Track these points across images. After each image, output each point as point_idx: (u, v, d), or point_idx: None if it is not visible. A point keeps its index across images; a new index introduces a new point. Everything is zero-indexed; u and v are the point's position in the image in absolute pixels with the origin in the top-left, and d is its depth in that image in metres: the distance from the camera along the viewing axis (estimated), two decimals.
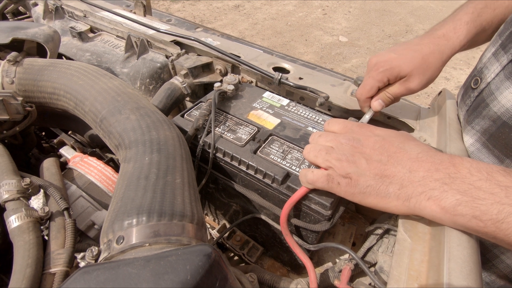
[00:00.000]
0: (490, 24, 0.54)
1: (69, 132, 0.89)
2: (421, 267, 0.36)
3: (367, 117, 0.56)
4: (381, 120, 0.67)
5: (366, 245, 0.52)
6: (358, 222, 0.72)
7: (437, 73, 0.52)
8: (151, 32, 0.85)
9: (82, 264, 0.52)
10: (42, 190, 0.48)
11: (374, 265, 0.50)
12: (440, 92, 0.70)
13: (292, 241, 0.48)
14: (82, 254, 0.52)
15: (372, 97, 0.55)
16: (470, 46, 0.56)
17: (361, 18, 4.36)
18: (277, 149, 0.53)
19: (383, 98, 0.54)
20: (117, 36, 0.90)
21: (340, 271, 0.48)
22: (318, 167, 0.43)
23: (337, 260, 0.61)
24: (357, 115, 0.62)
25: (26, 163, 0.78)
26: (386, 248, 0.48)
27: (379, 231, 0.52)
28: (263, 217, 0.57)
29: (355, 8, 4.64)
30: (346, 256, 0.63)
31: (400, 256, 0.37)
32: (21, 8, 1.09)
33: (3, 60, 0.56)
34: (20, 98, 0.53)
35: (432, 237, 0.38)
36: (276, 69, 0.76)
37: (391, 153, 0.38)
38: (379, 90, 0.54)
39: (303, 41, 3.72)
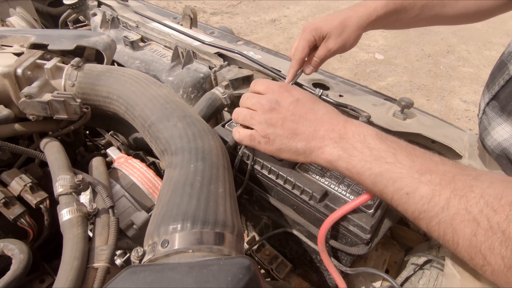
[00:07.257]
0: (412, 6, 0.59)
1: (110, 133, 0.94)
2: None
3: (291, 78, 0.64)
4: (424, 144, 0.64)
5: (404, 274, 0.49)
6: (392, 248, 0.69)
7: (354, 36, 0.60)
8: (196, 43, 0.89)
9: (118, 261, 0.54)
10: (90, 187, 0.51)
11: None
12: None
13: (328, 261, 0.47)
14: (119, 252, 0.55)
15: (303, 60, 0.62)
16: (390, 24, 0.62)
17: (400, 36, 4.26)
18: (316, 165, 0.53)
19: (313, 64, 0.62)
20: (165, 46, 0.95)
21: None
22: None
23: (370, 287, 0.58)
24: (398, 136, 0.60)
25: (73, 159, 0.83)
26: (427, 280, 0.45)
27: (420, 261, 0.49)
28: (296, 232, 0.56)
29: None
30: (379, 283, 0.60)
31: None
32: (81, 17, 1.20)
33: (67, 64, 0.61)
34: (78, 100, 0.57)
35: None
36: (316, 85, 0.76)
37: (302, 113, 0.45)
38: (309, 54, 0.62)
39: (337, 56, 3.69)
